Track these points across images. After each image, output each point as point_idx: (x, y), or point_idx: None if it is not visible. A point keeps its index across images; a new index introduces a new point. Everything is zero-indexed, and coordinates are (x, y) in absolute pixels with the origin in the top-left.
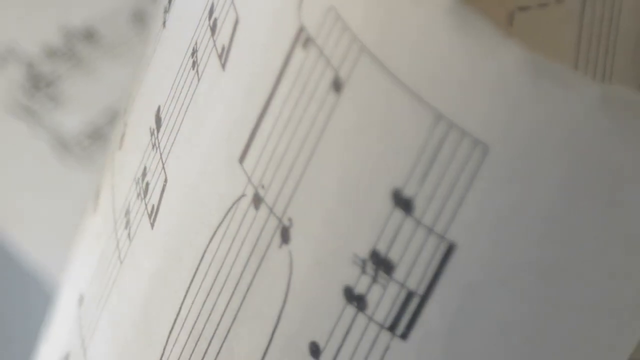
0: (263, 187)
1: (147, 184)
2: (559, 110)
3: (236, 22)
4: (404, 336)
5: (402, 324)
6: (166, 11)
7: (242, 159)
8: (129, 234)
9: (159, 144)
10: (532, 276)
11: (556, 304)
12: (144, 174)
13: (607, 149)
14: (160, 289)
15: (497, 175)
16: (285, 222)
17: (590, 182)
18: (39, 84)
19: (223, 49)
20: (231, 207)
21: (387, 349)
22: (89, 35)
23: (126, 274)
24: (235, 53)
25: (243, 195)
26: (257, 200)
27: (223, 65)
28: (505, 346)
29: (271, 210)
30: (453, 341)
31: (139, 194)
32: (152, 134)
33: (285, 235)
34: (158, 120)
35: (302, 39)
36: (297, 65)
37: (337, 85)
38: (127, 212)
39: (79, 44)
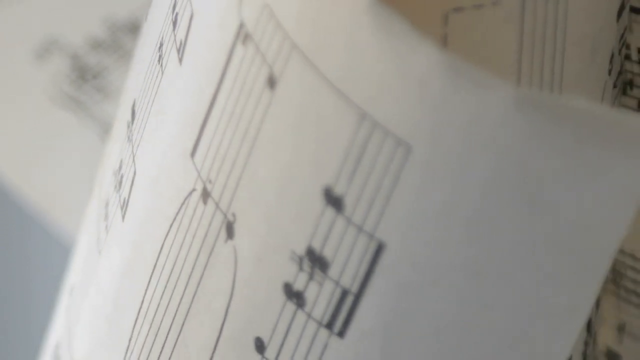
0: (210, 181)
1: (122, 177)
2: (476, 112)
3: (191, 17)
4: (341, 334)
5: (338, 322)
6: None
7: (193, 153)
8: (106, 226)
9: (132, 136)
10: (463, 277)
11: (488, 305)
12: (120, 167)
13: (525, 151)
14: (128, 282)
15: (421, 175)
16: (230, 217)
17: (512, 184)
18: (85, 75)
19: (181, 43)
20: (184, 201)
21: (325, 346)
22: (134, 29)
23: (102, 265)
24: (189, 47)
25: (194, 190)
26: (205, 195)
27: (180, 60)
28: (440, 346)
29: (217, 205)
30: (388, 340)
31: (115, 186)
32: (128, 126)
33: (230, 231)
34: (133, 114)
35: (242, 35)
36: (237, 61)
37: (271, 82)
38: (107, 204)
39: (124, 36)
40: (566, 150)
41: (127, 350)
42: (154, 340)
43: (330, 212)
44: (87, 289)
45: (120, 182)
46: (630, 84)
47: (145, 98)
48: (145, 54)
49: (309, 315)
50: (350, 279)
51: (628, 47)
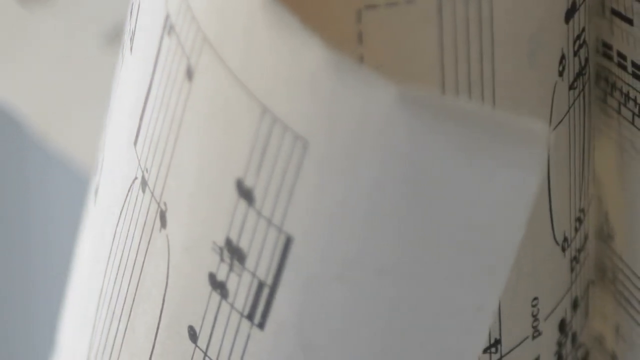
0: (147, 170)
1: (98, 161)
2: (364, 111)
3: (139, 7)
4: (261, 326)
5: (258, 313)
6: None
7: (135, 142)
8: (87, 211)
9: (105, 122)
10: (366, 274)
11: (395, 302)
12: (99, 152)
13: (413, 150)
14: (95, 266)
15: (318, 171)
16: (162, 206)
17: (403, 183)
18: None
19: (132, 32)
20: (129, 189)
21: (248, 337)
22: None
23: (80, 248)
24: (136, 36)
25: (136, 178)
26: (144, 183)
27: (131, 49)
28: (352, 341)
29: (152, 193)
30: (303, 333)
31: (95, 172)
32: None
33: (163, 219)
34: (110, 100)
35: (168, 26)
36: (165, 52)
37: (189, 74)
38: (95, 190)
39: None
40: (454, 151)
41: (92, 333)
42: (110, 324)
43: (242, 204)
44: (72, 274)
45: (97, 167)
46: (613, 86)
47: (114, 84)
48: (122, 43)
49: (232, 306)
50: (265, 271)
51: (610, 48)
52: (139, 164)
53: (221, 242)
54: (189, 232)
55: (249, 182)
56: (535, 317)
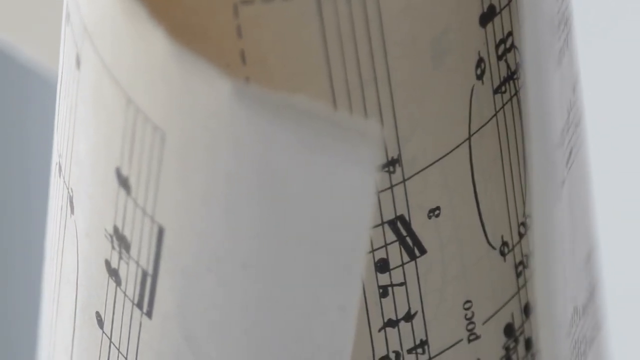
0: (61, 156)
1: None
2: (209, 104)
3: None
4: (149, 314)
5: (145, 302)
6: None
7: (57, 127)
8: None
9: None
10: (235, 267)
11: (263, 299)
12: None
13: (256, 146)
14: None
15: (177, 163)
16: (70, 192)
17: (253, 178)
18: None
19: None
20: (54, 173)
21: (140, 325)
22: None
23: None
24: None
25: (56, 163)
26: (59, 169)
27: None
28: (231, 336)
29: (64, 179)
30: (185, 324)
31: None
32: None
33: (71, 205)
34: None
35: (66, 14)
36: (64, 40)
37: (78, 63)
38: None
39: None
40: (296, 149)
41: (44, 315)
42: (49, 306)
43: (122, 193)
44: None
45: None
46: None
47: None
48: None
49: (124, 294)
50: (146, 261)
51: None
52: (57, 149)
53: (110, 229)
54: (88, 219)
55: (124, 171)
56: (469, 320)
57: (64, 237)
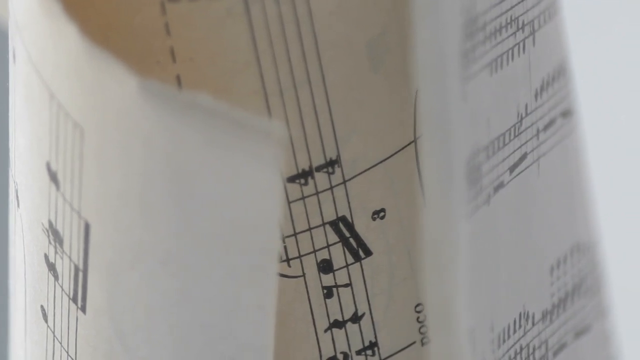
0: (10, 149)
1: None
2: (115, 100)
3: None
4: (83, 309)
5: (79, 297)
6: None
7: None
8: None
9: None
10: (155, 264)
11: (187, 296)
12: None
13: (165, 143)
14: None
15: (96, 160)
16: (16, 185)
17: (165, 176)
18: None
19: None
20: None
21: (77, 320)
22: None
23: None
24: None
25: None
26: (9, 162)
27: None
28: (158, 333)
29: (11, 172)
30: (115, 320)
31: None
32: None
33: (17, 198)
34: None
35: (10, 9)
36: (9, 34)
37: (14, 57)
38: None
39: None
40: (202, 147)
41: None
42: (10, 302)
43: (53, 187)
44: None
45: None
46: None
47: None
48: None
49: (62, 288)
50: (77, 256)
51: None
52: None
53: (46, 224)
54: (29, 213)
55: (53, 166)
56: (422, 323)
57: (14, 230)
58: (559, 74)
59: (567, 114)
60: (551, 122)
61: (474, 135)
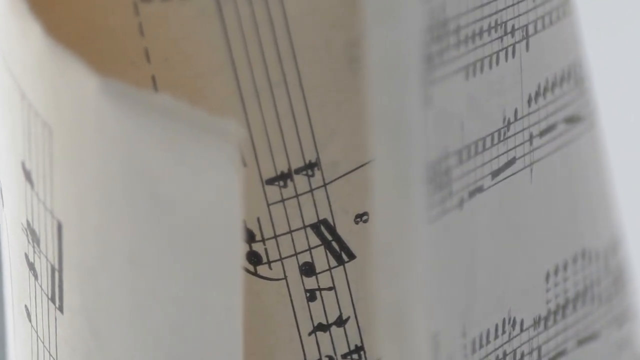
0: None
1: None
2: (78, 101)
3: None
4: (60, 309)
5: (56, 297)
6: None
7: None
8: None
9: None
10: (123, 263)
11: (156, 296)
12: None
13: (128, 143)
14: None
15: (65, 159)
16: (1, 185)
17: (125, 174)
18: None
19: None
20: None
21: (56, 319)
22: None
23: None
24: None
25: None
26: None
27: None
28: (130, 334)
29: None
30: (90, 320)
31: None
32: None
33: (2, 199)
34: None
35: None
36: None
37: None
38: None
39: None
40: (163, 148)
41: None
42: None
43: (28, 187)
44: None
45: None
46: None
47: None
48: None
49: (41, 288)
50: (52, 256)
51: None
52: None
53: (25, 223)
54: (11, 212)
55: (27, 165)
56: None
57: (2, 230)
58: (564, 79)
59: (572, 119)
60: (550, 128)
61: (442, 139)
